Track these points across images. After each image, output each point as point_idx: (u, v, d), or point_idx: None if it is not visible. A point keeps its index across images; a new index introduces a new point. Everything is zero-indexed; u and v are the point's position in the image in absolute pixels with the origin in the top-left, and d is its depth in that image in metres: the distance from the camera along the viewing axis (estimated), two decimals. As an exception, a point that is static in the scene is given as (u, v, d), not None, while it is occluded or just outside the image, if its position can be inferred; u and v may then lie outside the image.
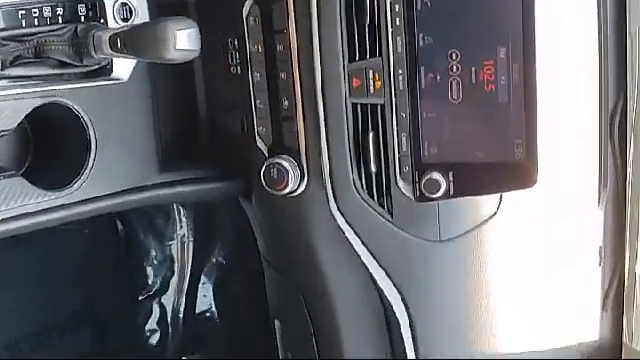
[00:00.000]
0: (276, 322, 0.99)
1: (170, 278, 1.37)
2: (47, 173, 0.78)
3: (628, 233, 1.00)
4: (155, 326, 1.37)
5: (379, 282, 0.82)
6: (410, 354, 0.82)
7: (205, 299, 1.40)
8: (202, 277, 1.39)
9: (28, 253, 1.16)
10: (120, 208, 0.81)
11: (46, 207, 0.74)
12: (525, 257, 0.83)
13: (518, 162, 0.73)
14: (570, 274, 0.90)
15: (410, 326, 0.82)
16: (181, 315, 1.38)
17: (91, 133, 0.76)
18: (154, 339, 1.36)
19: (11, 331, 1.14)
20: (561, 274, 0.88)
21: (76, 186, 0.76)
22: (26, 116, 0.73)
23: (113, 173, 0.80)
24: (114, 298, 1.31)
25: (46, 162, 0.80)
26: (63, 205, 0.76)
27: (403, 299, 0.82)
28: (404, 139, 0.76)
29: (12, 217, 0.72)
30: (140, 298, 1.34)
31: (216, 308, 1.40)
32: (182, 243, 1.36)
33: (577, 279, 0.92)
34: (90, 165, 0.77)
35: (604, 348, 0.99)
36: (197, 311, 1.39)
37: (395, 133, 0.76)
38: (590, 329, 0.96)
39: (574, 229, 0.89)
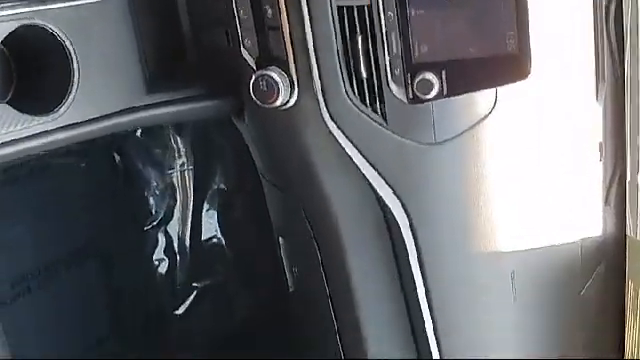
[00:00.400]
0: (280, 239, 0.99)
1: (173, 207, 1.37)
2: (33, 99, 0.76)
3: (628, 127, 0.99)
4: (163, 255, 1.38)
5: (377, 188, 0.81)
6: (412, 257, 0.82)
7: (210, 225, 1.40)
8: (205, 204, 1.39)
9: (27, 190, 1.16)
10: (109, 131, 0.80)
11: (34, 132, 0.73)
12: (524, 154, 0.82)
13: (511, 54, 0.71)
14: (571, 170, 0.89)
15: (411, 228, 0.81)
16: (187, 243, 1.39)
17: (72, 55, 0.75)
18: (163, 268, 1.38)
19: (16, 268, 1.15)
20: (561, 170, 0.88)
21: (62, 110, 0.75)
22: (4, 42, 0.71)
23: (98, 96, 0.78)
24: (119, 230, 1.32)
25: (31, 88, 0.78)
26: (50, 130, 0.75)
27: (402, 204, 0.81)
28: (393, 40, 0.74)
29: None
30: (145, 228, 1.35)
31: (222, 233, 1.40)
32: (182, 171, 1.36)
33: (578, 175, 0.91)
34: (74, 88, 0.75)
35: (608, 243, 0.99)
36: (203, 238, 1.40)
37: (384, 34, 0.74)
38: (593, 224, 0.96)
39: (572, 124, 0.87)
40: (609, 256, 1.01)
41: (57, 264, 1.20)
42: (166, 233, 1.37)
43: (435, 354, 0.86)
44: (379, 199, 0.83)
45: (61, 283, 1.21)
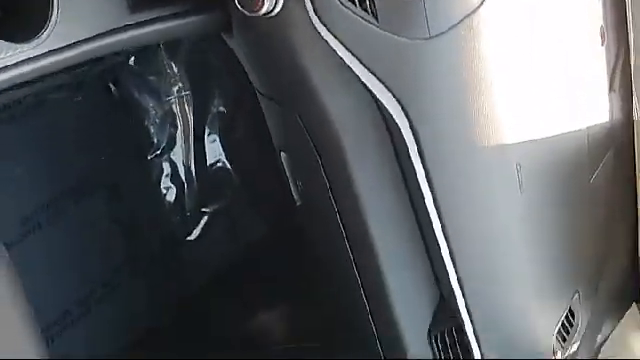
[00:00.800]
0: (282, 154, 0.97)
1: (175, 134, 1.36)
2: (15, 28, 0.74)
3: (630, 10, 0.97)
4: (169, 183, 1.37)
5: (373, 90, 0.79)
6: (416, 161, 0.81)
7: (214, 150, 1.39)
8: (206, 128, 1.38)
9: (25, 128, 1.15)
10: (97, 54, 0.78)
11: (20, 59, 0.71)
12: (521, 41, 0.80)
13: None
14: (573, 56, 0.87)
15: (411, 128, 0.80)
16: (193, 169, 1.38)
17: None
18: (171, 196, 1.37)
19: (24, 205, 1.15)
20: (563, 56, 0.85)
21: (44, 36, 0.73)
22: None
23: (81, 19, 0.76)
24: (123, 161, 1.31)
25: (12, 17, 0.76)
26: (36, 56, 0.73)
27: (401, 105, 0.79)
28: None
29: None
30: (149, 157, 1.34)
31: (226, 157, 1.40)
32: (179, 97, 1.34)
33: (581, 60, 0.89)
34: (54, 13, 0.73)
35: (615, 129, 0.98)
36: (208, 162, 1.39)
37: None
38: (599, 111, 0.94)
39: (571, 7, 0.85)
40: (617, 142, 0.99)
41: (65, 198, 1.20)
42: (170, 161, 1.36)
43: (440, 237, 0.85)
44: (376, 102, 0.81)
45: (71, 217, 1.21)
